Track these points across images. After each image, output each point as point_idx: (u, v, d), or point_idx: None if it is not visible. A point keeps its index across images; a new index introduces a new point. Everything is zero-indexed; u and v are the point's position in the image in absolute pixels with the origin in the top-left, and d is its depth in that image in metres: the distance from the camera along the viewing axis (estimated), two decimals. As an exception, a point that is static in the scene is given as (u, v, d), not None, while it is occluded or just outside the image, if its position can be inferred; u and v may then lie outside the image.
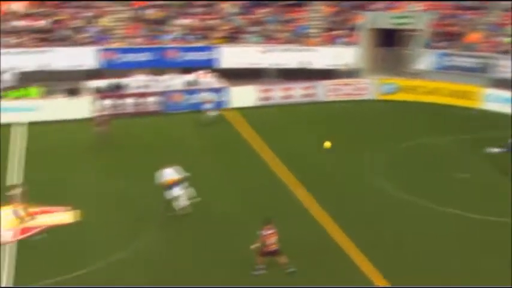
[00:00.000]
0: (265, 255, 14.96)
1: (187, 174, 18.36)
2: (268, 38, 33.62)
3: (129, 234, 17.29)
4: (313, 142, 24.85)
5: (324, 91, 31.30)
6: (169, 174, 18.07)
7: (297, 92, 31.10)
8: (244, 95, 30.11)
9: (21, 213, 17.69)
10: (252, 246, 15.07)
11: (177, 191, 17.89)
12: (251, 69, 32.09)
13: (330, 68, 32.41)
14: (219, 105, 29.19)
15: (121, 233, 17.41)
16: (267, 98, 30.73)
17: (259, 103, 30.44)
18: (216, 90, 29.91)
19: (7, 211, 18.28)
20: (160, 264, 15.80)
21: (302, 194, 19.78)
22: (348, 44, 33.08)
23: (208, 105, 27.54)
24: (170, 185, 17.95)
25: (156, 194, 18.94)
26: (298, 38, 33.67)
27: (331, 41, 33.41)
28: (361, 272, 15.16)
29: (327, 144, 17.77)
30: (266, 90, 30.82)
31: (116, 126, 24.63)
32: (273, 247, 14.89)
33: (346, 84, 31.64)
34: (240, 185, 20.77)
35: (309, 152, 23.78)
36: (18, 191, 17.69)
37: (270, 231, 14.84)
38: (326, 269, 15.49)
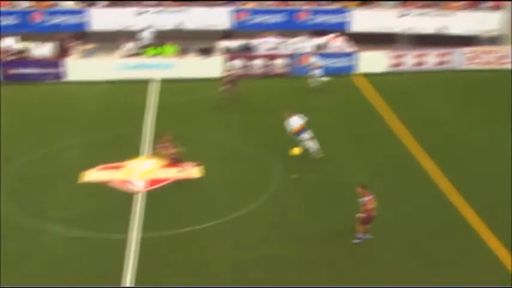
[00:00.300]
0: (367, 223, 14.77)
1: (306, 119, 19.52)
2: (405, 2, 32.11)
3: (253, 191, 17.71)
4: (447, 112, 23.73)
5: (461, 59, 29.47)
6: (297, 121, 19.39)
7: (431, 59, 29.60)
8: (374, 61, 29.18)
9: (165, 161, 18.70)
10: (358, 215, 14.84)
11: (306, 136, 19.25)
12: (383, 33, 30.96)
13: (470, 34, 30.38)
14: (347, 69, 28.65)
15: (245, 189, 17.88)
16: (398, 64, 29.58)
17: (389, 69, 29.40)
18: (345, 55, 29.32)
19: (141, 162, 19.44)
20: (281, 223, 16.03)
21: (430, 166, 18.98)
22: (493, 8, 30.72)
23: (318, 71, 26.93)
24: (299, 131, 19.27)
25: (277, 154, 19.45)
26: (437, 1, 31.80)
27: (474, 5, 31.19)
28: (494, 257, 14.37)
29: (295, 150, 16.62)
30: (398, 56, 29.64)
31: (243, 86, 25.04)
32: (374, 212, 14.67)
33: (487, 52, 29.55)
34: (365, 152, 20.37)
35: (441, 122, 22.72)
36: (167, 139, 18.56)
37: (369, 197, 14.65)
38: (453, 248, 14.86)
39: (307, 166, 19.16)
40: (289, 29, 31.13)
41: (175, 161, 18.47)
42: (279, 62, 29.02)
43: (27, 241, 15.16)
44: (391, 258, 14.55)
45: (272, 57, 29.13)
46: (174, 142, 18.38)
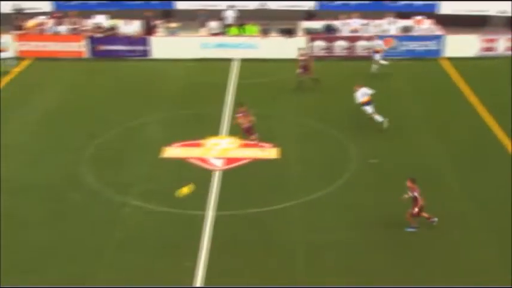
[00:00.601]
0: (419, 215, 14.56)
1: (374, 91, 20.28)
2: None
3: (329, 173, 17.59)
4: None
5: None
6: (365, 93, 20.24)
7: (527, 43, 28.01)
8: (463, 44, 27.93)
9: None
10: (404, 197, 14.63)
11: (370, 109, 20.08)
12: (474, 16, 29.53)
13: None
14: (434, 53, 27.59)
15: (322, 171, 17.78)
16: (489, 49, 28.17)
17: (479, 54, 28.06)
18: (433, 38, 28.25)
19: (220, 140, 19.68)
20: (357, 207, 15.78)
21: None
22: None
23: (379, 55, 26.01)
24: (366, 103, 20.13)
25: (355, 136, 19.47)
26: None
27: None
28: None
29: (184, 190, 15.36)
30: (489, 40, 28.21)
31: (324, 68, 24.71)
32: (422, 203, 14.52)
33: None
34: (447, 137, 19.81)
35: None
36: (242, 110, 19.36)
37: (418, 191, 14.45)
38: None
39: (386, 148, 18.95)
40: (374, 10, 30.34)
41: (248, 130, 19.01)
42: (361, 44, 28.38)
43: (109, 213, 15.76)
44: (471, 247, 14.15)
45: (355, 39, 28.53)
46: (248, 113, 19.01)
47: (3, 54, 26.49)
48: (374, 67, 25.67)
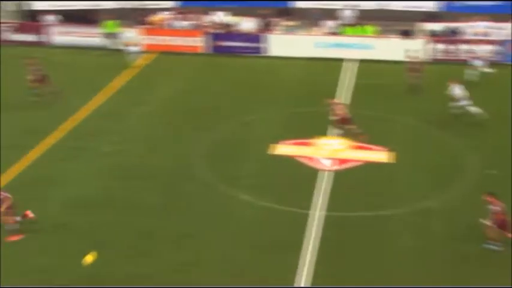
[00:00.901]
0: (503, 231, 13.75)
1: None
2: None
3: (443, 182, 16.95)
4: None
5: None
6: (460, 89, 20.46)
7: None
8: None
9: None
10: (486, 222, 13.83)
11: (464, 102, 20.43)
12: None
13: None
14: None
15: (435, 179, 17.17)
16: None
17: None
18: None
19: (330, 140, 19.53)
20: (469, 221, 14.97)
21: None
22: None
23: (477, 61, 24.23)
24: (461, 99, 20.45)
25: (472, 145, 18.73)
26: None
27: None
28: None
29: (89, 258, 13.33)
30: None
31: (443, 71, 23.67)
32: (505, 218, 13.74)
33: None
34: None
35: None
36: (336, 102, 20.40)
37: (499, 205, 13.74)
38: None
39: (505, 158, 17.91)
40: (502, 12, 28.63)
41: (345, 120, 19.30)
42: (487, 48, 26.87)
43: (219, 206, 16.10)
44: None
45: (480, 42, 27.08)
46: (344, 105, 19.68)
47: (129, 49, 27.89)
48: (470, 73, 24.21)
